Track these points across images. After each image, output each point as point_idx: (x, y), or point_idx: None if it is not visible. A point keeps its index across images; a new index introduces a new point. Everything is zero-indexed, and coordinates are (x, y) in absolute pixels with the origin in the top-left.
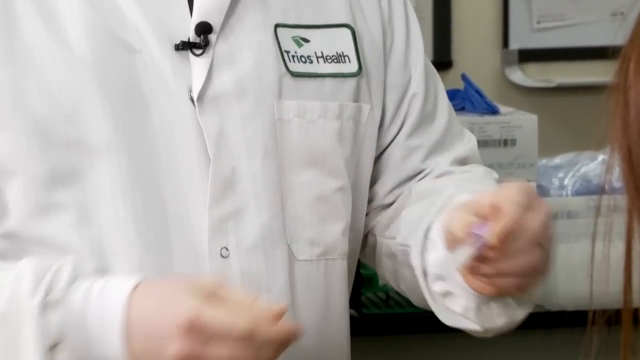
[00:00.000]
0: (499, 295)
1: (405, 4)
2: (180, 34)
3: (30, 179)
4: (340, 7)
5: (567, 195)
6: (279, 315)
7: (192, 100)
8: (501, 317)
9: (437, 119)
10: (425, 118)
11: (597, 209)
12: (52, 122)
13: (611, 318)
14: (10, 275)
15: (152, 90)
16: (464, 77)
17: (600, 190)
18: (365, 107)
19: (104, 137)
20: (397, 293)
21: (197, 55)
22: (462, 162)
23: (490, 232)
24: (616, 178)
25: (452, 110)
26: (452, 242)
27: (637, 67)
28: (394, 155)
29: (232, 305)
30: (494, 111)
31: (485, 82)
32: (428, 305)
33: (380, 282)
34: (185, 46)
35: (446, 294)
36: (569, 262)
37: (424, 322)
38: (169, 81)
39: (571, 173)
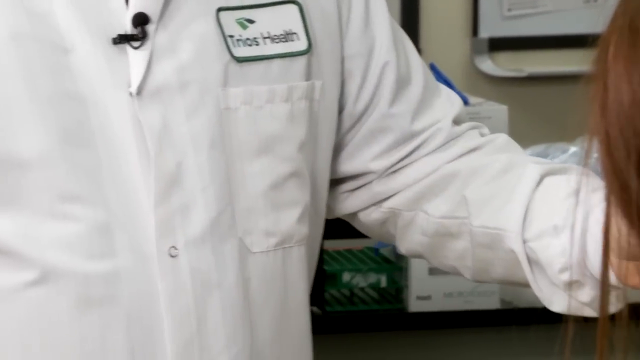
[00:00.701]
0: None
1: None
2: (117, 28)
3: None
4: None
5: None
6: None
7: (132, 96)
8: (619, 304)
9: (412, 80)
10: (402, 82)
11: (576, 199)
12: None
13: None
14: None
15: (89, 90)
16: (432, 67)
17: (579, 177)
18: (318, 84)
19: (37, 147)
20: (362, 290)
21: (135, 48)
22: (457, 121)
23: None
24: (594, 164)
25: (425, 67)
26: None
27: (616, 52)
28: (377, 123)
29: None
30: (463, 101)
31: (454, 72)
32: (503, 280)
33: (344, 279)
34: (122, 39)
35: (572, 284)
36: None
37: (388, 319)
38: (106, 79)
39: None
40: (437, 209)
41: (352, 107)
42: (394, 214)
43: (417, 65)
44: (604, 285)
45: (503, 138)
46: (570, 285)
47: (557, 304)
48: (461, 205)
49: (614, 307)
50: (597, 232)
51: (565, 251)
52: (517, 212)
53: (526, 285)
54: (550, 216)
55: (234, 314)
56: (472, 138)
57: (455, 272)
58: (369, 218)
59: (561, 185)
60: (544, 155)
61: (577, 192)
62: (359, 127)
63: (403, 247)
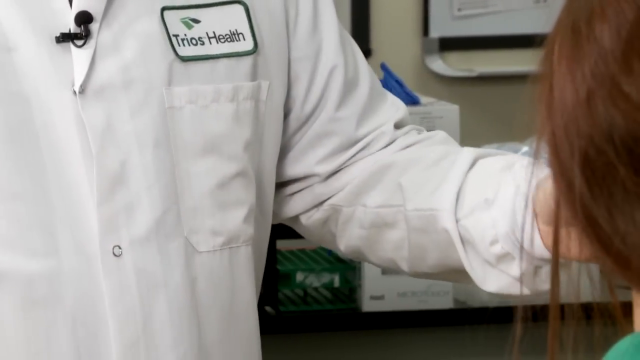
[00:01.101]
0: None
1: None
2: (61, 26)
3: None
4: None
5: None
6: None
7: (76, 94)
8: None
9: (360, 84)
10: (349, 86)
11: (526, 198)
12: None
13: (537, 313)
14: None
15: (33, 88)
16: (383, 67)
17: (528, 184)
18: (264, 84)
19: None
20: (315, 289)
21: (79, 47)
22: (399, 125)
23: None
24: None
25: (372, 72)
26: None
27: (560, 52)
28: (323, 126)
29: None
30: (414, 101)
31: (405, 72)
32: (441, 271)
33: (298, 279)
34: (65, 38)
35: (503, 257)
36: None
37: (342, 319)
38: (49, 77)
39: None
40: (373, 199)
41: (300, 110)
42: (335, 211)
43: (364, 70)
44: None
45: (441, 134)
46: (502, 258)
47: (490, 282)
48: (396, 193)
49: (545, 283)
50: (522, 203)
51: (496, 223)
52: (450, 191)
53: (461, 269)
54: (482, 192)
55: (181, 313)
56: (410, 136)
57: (393, 266)
58: (310, 220)
59: (494, 164)
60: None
61: (518, 181)
62: (305, 130)
63: (342, 245)
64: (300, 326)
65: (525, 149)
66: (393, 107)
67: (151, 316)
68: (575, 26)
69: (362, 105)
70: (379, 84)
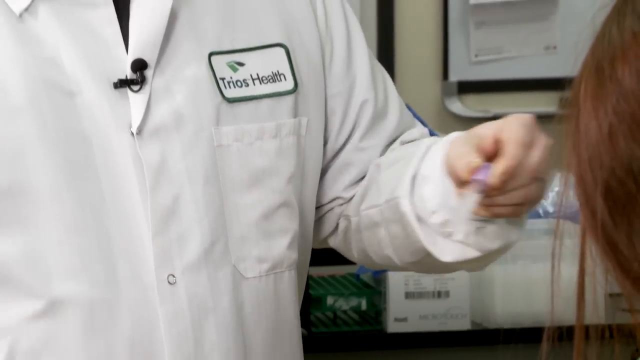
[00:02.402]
0: (495, 217)
1: (344, 9)
2: (118, 72)
3: None
4: (274, 27)
5: None
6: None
7: (133, 135)
8: (497, 240)
9: (389, 114)
10: (378, 117)
11: (556, 229)
12: None
13: (563, 333)
14: None
15: (93, 130)
16: (407, 108)
17: (557, 210)
18: (304, 120)
19: (46, 181)
20: (344, 312)
21: (135, 92)
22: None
23: (493, 174)
24: (571, 203)
25: (402, 103)
26: (458, 183)
27: (585, 92)
28: (350, 156)
29: None
30: (430, 135)
31: (426, 112)
32: (420, 257)
33: (328, 303)
34: (122, 84)
35: (445, 224)
36: (506, 283)
37: (369, 339)
38: (108, 119)
39: None
40: (365, 203)
41: (334, 142)
42: (348, 222)
43: (394, 101)
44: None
45: (432, 138)
46: (444, 226)
47: (446, 253)
48: (377, 192)
49: (492, 242)
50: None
51: (434, 194)
52: (407, 176)
53: (428, 254)
54: (427, 172)
55: (228, 336)
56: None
57: (391, 263)
58: (337, 239)
59: (438, 146)
60: None
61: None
62: (335, 159)
63: (355, 252)
64: (331, 346)
65: None
66: (419, 132)
67: (202, 339)
68: (599, 67)
69: (389, 135)
70: (408, 114)
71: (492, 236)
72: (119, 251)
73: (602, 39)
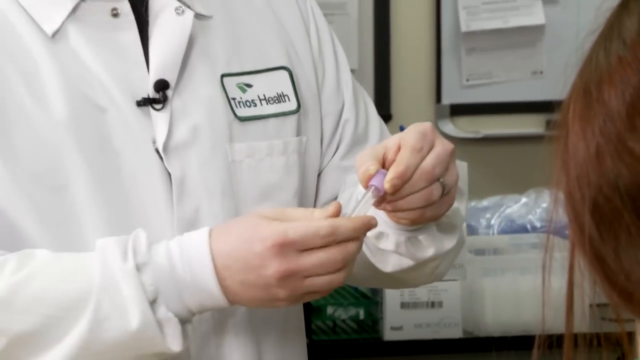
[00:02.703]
0: (413, 225)
1: (332, 38)
2: (141, 91)
3: (29, 224)
4: (277, 52)
5: (493, 234)
6: (338, 210)
7: (157, 151)
8: (430, 248)
9: (369, 140)
10: (358, 139)
11: (547, 243)
12: (39, 175)
13: (552, 342)
14: (89, 256)
15: (121, 144)
16: (401, 129)
17: (547, 226)
18: (304, 139)
19: (85, 188)
20: (343, 321)
21: (157, 110)
22: None
23: (385, 180)
24: (540, 217)
25: (384, 129)
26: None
27: (574, 113)
28: (329, 175)
29: (303, 216)
30: None
31: None
32: (372, 271)
33: (328, 312)
34: (146, 102)
35: (379, 236)
36: (496, 293)
37: (366, 347)
38: (135, 135)
39: (497, 214)
40: None
41: (321, 161)
42: None
43: (375, 127)
44: (568, 320)
45: None
46: (379, 238)
47: (385, 264)
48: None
49: (425, 250)
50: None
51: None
52: (354, 194)
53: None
54: (360, 188)
55: (245, 338)
56: None
57: (358, 280)
58: None
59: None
60: (499, 204)
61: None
62: (320, 176)
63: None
64: (331, 353)
65: (524, 199)
66: None
67: (222, 341)
68: (586, 90)
69: None
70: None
71: (425, 245)
72: None
73: (590, 63)
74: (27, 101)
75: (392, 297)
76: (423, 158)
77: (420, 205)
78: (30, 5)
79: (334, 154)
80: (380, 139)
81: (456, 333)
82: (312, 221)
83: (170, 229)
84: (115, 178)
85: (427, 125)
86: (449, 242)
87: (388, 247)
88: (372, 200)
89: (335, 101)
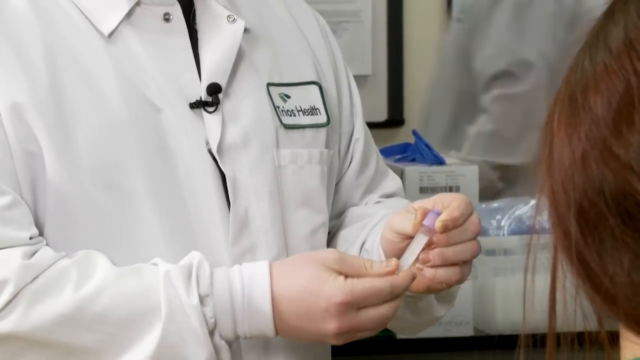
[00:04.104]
0: (430, 292)
1: (344, 63)
2: (192, 94)
3: (87, 218)
4: (309, 67)
5: (503, 234)
6: (395, 268)
7: (209, 152)
8: (425, 315)
9: (370, 162)
10: (364, 160)
11: (529, 246)
12: (98, 170)
13: (537, 340)
14: (152, 275)
15: (176, 144)
16: (414, 133)
17: (531, 230)
18: (330, 152)
19: (143, 185)
20: None
21: (210, 113)
22: (389, 196)
23: (438, 220)
24: (545, 219)
25: (379, 154)
26: (403, 237)
27: (559, 119)
28: (343, 189)
29: (364, 272)
30: (440, 162)
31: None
32: None
33: None
34: (199, 105)
35: None
36: (506, 293)
37: (379, 345)
38: (189, 136)
39: (507, 215)
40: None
41: (338, 175)
42: None
43: (374, 153)
44: (551, 319)
45: (405, 200)
46: None
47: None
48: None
49: (420, 317)
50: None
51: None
52: (356, 245)
53: None
54: (368, 246)
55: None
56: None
57: None
58: None
59: (382, 223)
60: (509, 206)
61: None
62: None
63: None
64: (344, 350)
65: (533, 202)
66: (392, 181)
67: (269, 340)
68: (572, 96)
69: (369, 180)
70: (382, 162)
71: (421, 311)
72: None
73: (575, 71)
74: (88, 97)
75: None
76: (471, 213)
77: (467, 257)
78: (87, 8)
79: (347, 170)
80: (377, 164)
81: (467, 331)
82: (374, 281)
83: (223, 227)
84: (171, 177)
85: (463, 196)
86: (442, 310)
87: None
88: (425, 239)
89: (349, 120)
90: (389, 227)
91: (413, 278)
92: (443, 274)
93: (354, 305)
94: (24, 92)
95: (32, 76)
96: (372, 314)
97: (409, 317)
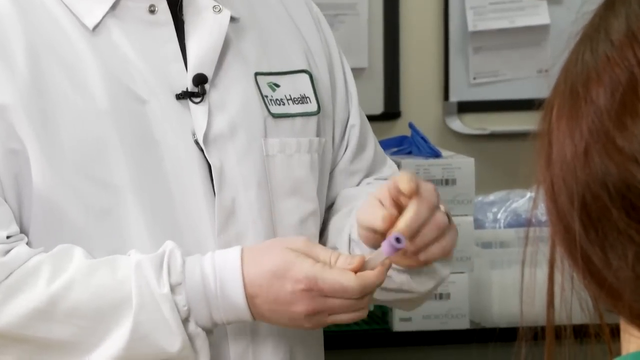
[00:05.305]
0: (427, 264)
1: (339, 50)
2: (179, 85)
3: (73, 213)
4: (298, 55)
5: (500, 227)
6: (362, 265)
7: (196, 142)
8: (431, 280)
9: (367, 148)
10: (361, 146)
11: (526, 239)
12: (83, 164)
13: (538, 333)
14: (125, 267)
15: (162, 136)
16: (410, 126)
17: (528, 223)
18: (322, 140)
19: (127, 177)
20: None
21: (196, 103)
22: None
23: (400, 230)
24: (541, 212)
25: (377, 141)
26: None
27: (559, 112)
28: (338, 177)
29: (327, 257)
30: (436, 155)
31: (429, 130)
32: None
33: None
34: (185, 95)
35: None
36: (502, 285)
37: (376, 338)
38: (175, 126)
39: (503, 208)
40: (325, 239)
41: (333, 163)
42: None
43: (371, 140)
44: (549, 311)
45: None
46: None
47: (386, 298)
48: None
49: (426, 285)
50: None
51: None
52: (344, 235)
53: None
54: (355, 237)
55: (278, 327)
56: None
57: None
58: None
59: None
60: (505, 199)
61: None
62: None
63: None
64: (341, 343)
65: (529, 194)
66: (390, 169)
67: (257, 327)
68: (573, 89)
69: (368, 165)
70: (380, 149)
71: (426, 279)
72: (187, 245)
73: (575, 63)
74: (70, 92)
75: None
76: (433, 209)
77: (434, 235)
78: (71, 2)
79: (342, 157)
80: (375, 150)
81: (463, 324)
82: (342, 275)
83: (209, 218)
84: (156, 168)
85: (409, 173)
86: (446, 271)
87: (392, 286)
88: (387, 259)
89: (344, 108)
90: (358, 223)
91: (380, 281)
92: (424, 256)
93: (319, 292)
94: (6, 92)
95: (14, 75)
96: (337, 304)
97: (416, 286)
